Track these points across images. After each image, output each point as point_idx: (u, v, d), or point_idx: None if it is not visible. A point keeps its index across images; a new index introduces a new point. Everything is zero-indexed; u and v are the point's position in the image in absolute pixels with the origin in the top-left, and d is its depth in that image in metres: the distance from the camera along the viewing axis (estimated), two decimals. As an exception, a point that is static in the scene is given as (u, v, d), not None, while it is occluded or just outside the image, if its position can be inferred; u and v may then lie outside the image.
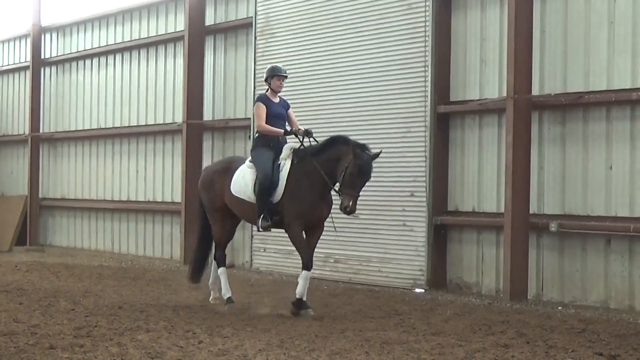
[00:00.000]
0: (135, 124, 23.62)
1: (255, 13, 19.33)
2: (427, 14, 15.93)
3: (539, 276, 14.73)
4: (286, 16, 18.66)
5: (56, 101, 26.80)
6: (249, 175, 12.56)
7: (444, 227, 15.99)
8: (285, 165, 12.33)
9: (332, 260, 16.96)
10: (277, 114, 12.72)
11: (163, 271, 18.86)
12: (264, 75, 12.97)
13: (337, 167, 11.92)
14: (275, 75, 12.78)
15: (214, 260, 13.33)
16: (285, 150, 12.48)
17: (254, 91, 19.26)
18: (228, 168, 13.11)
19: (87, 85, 25.55)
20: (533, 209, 14.67)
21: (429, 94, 15.83)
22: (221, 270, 13.04)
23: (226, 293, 12.94)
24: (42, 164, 27.20)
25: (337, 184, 12.07)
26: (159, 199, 22.82)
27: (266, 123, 12.56)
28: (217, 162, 14.35)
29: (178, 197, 21.65)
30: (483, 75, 15.64)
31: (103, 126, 24.82)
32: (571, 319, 12.43)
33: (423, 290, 15.61)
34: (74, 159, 26.07)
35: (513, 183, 14.48)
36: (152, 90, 23.12)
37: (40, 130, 27.03)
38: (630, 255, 13.64)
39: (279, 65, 13.09)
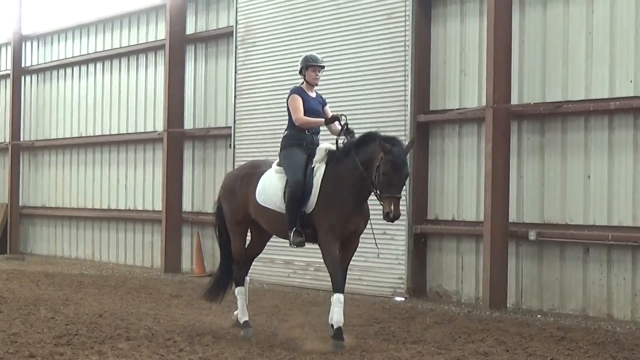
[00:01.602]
0: (116, 133, 23.56)
1: (236, 22, 19.34)
2: (406, 23, 15.98)
3: (518, 284, 14.76)
4: (267, 25, 18.67)
5: (37, 109, 26.70)
6: (278, 181, 10.76)
7: (424, 236, 16.01)
8: (320, 169, 10.51)
9: (313, 269, 16.94)
10: (313, 110, 10.96)
11: (144, 279, 18.80)
12: (298, 66, 11.21)
13: (371, 169, 10.14)
14: (310, 65, 11.01)
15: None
16: (320, 152, 10.65)
17: (235, 100, 19.29)
18: (253, 174, 11.23)
19: (68, 93, 25.47)
20: (512, 217, 14.71)
21: (409, 103, 15.86)
22: (238, 290, 11.40)
23: (242, 317, 11.32)
24: (22, 172, 27.07)
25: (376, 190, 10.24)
26: (140, 207, 22.77)
27: None
28: (240, 167, 12.30)
29: (159, 206, 21.59)
30: (462, 85, 15.68)
31: (84, 134, 24.74)
32: (550, 327, 12.46)
33: (403, 299, 15.60)
34: (55, 168, 25.98)
35: (492, 192, 14.51)
36: (132, 98, 23.08)
37: (21, 139, 26.90)
38: (608, 264, 13.70)
39: (315, 54, 11.29)
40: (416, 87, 15.94)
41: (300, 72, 11.17)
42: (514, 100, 14.73)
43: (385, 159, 9.94)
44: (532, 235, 14.37)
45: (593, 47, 13.96)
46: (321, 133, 11.29)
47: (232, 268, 11.62)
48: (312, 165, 10.58)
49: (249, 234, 11.71)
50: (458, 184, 15.69)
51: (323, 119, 10.92)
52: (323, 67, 11.18)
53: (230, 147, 19.52)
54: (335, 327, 10.15)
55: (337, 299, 10.21)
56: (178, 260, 20.85)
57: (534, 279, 14.58)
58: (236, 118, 19.28)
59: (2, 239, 26.62)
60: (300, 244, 10.58)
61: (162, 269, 20.75)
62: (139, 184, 22.83)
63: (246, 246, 11.71)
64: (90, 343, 10.26)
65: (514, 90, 14.74)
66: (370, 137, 10.35)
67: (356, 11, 16.77)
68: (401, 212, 10.19)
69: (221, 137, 20.24)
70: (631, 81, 13.50)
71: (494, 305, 14.34)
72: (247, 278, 11.64)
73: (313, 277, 16.99)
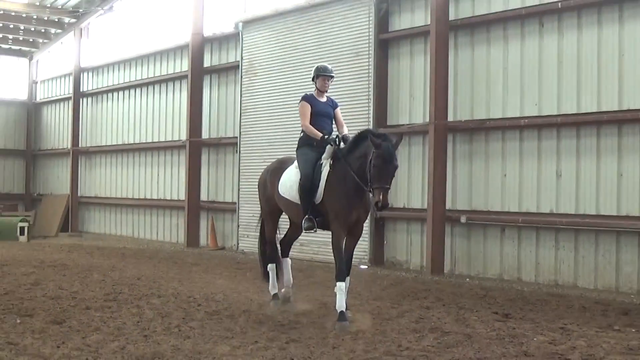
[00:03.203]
0: (150, 141, 23.52)
1: (242, 58, 19.33)
2: (370, 60, 16.02)
3: (452, 256, 14.83)
4: (265, 61, 18.66)
5: (91, 123, 26.63)
6: (295, 176, 9.53)
7: (382, 219, 16.05)
8: (327, 165, 9.21)
9: (299, 244, 16.95)
10: (323, 112, 9.58)
11: (171, 252, 18.78)
12: (311, 74, 9.82)
13: (365, 163, 8.72)
14: (320, 75, 9.64)
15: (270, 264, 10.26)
16: (328, 151, 9.29)
17: (240, 117, 19.28)
18: (280, 168, 10.03)
19: (115, 111, 25.41)
20: (448, 205, 14.75)
21: (371, 119, 15.88)
22: (271, 266, 10.20)
23: (272, 289, 10.14)
24: (80, 171, 27.01)
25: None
26: (168, 197, 22.73)
27: (311, 121, 9.46)
28: (273, 162, 10.65)
29: (182, 196, 21.57)
30: (411, 106, 15.71)
31: (126, 142, 24.69)
32: (475, 287, 12.55)
33: (366, 267, 15.65)
34: (104, 167, 25.92)
35: (434, 187, 14.57)
36: (163, 115, 23.04)
37: (79, 145, 26.83)
38: (519, 241, 13.78)
39: (326, 64, 9.84)
40: (376, 107, 15.97)
41: (313, 80, 9.76)
42: (450, 118, 14.78)
43: (376, 153, 8.53)
44: (463, 219, 14.44)
45: (508, 78, 14.04)
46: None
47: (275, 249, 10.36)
48: (321, 162, 9.31)
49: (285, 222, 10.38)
50: (408, 180, 15.73)
51: (320, 135, 9.32)
52: (332, 76, 9.73)
53: (237, 152, 19.53)
54: (338, 311, 8.72)
55: (339, 287, 8.76)
56: (197, 237, 20.83)
57: (464, 252, 14.66)
58: (241, 130, 19.25)
59: (65, 221, 26.61)
60: (309, 229, 9.26)
61: (185, 244, 20.72)
62: (167, 180, 22.79)
63: (287, 233, 10.44)
64: (131, 299, 10.32)
65: (450, 110, 14.79)
66: (363, 135, 8.97)
67: (332, 51, 16.80)
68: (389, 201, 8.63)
69: (230, 144, 20.22)
70: (536, 104, 13.59)
71: (434, 272, 14.41)
72: (289, 259, 10.35)
73: (299, 251, 16.99)
